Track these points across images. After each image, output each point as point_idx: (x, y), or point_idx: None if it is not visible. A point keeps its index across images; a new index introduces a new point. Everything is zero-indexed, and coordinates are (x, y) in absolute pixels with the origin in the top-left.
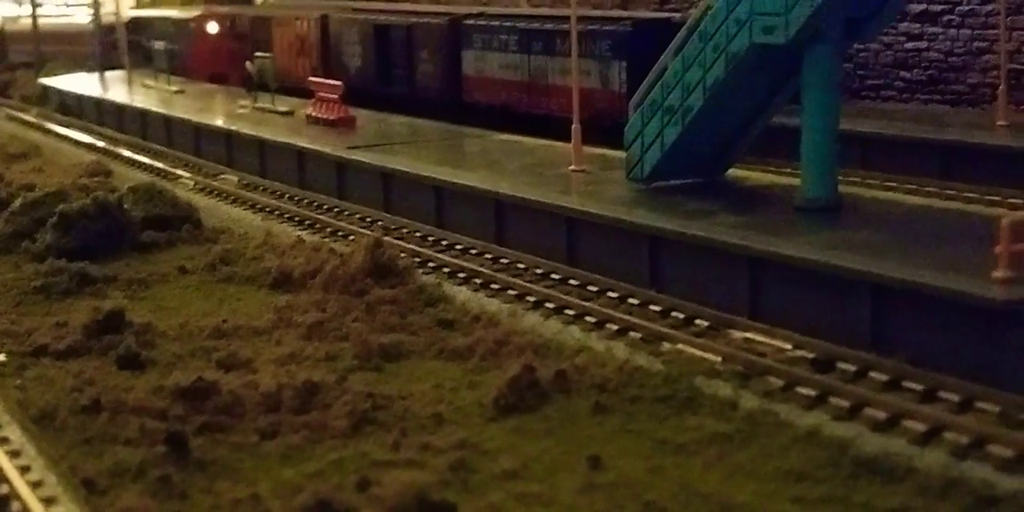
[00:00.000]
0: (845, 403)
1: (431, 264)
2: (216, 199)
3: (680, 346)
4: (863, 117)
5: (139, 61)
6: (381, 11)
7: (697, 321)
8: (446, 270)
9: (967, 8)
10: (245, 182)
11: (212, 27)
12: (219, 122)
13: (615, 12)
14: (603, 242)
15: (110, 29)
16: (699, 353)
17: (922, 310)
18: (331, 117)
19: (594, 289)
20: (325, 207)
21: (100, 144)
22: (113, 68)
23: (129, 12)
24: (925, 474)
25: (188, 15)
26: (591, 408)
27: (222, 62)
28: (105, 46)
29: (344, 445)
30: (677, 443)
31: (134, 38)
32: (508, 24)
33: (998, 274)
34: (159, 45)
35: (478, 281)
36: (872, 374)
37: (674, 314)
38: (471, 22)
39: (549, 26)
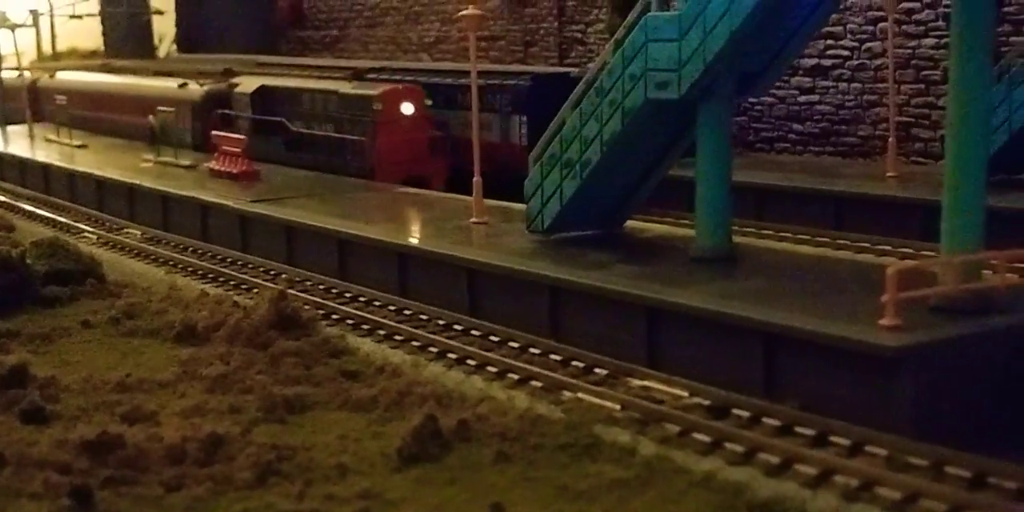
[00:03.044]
0: (740, 448)
1: (335, 316)
2: (119, 253)
3: (580, 394)
4: (758, 169)
5: (273, 150)
6: (282, 65)
7: (596, 370)
8: (350, 322)
9: (857, 62)
10: (148, 236)
11: (407, 107)
12: (122, 176)
13: (515, 67)
14: (504, 293)
15: (32, 86)
16: (598, 401)
17: (813, 357)
18: (234, 170)
19: (496, 339)
20: (229, 260)
21: (2, 199)
22: (13, 123)
23: (254, 81)
24: None
25: (366, 91)
26: (493, 456)
27: (421, 157)
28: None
29: (249, 496)
30: (578, 490)
31: (268, 117)
32: (410, 78)
33: (885, 322)
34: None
35: (382, 332)
36: (765, 420)
37: (574, 363)
38: (373, 77)
39: (450, 80)
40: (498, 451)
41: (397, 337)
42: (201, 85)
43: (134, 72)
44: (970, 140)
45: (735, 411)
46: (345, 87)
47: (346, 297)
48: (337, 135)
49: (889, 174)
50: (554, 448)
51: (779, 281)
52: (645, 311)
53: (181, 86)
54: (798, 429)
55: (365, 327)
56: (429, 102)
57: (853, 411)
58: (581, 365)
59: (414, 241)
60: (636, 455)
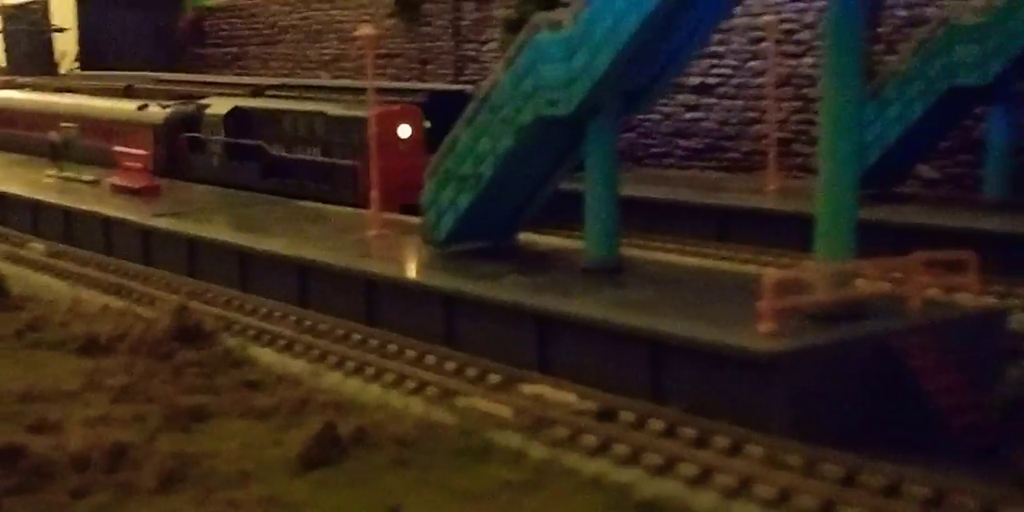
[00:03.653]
0: (626, 450)
1: (236, 327)
2: (23, 267)
3: (474, 401)
4: (645, 183)
5: (248, 176)
6: (184, 82)
7: (490, 377)
8: (251, 333)
9: (739, 81)
10: (52, 250)
11: (404, 130)
12: (24, 191)
13: (412, 84)
14: (401, 304)
15: None
16: (492, 407)
17: (696, 362)
18: (136, 186)
19: (393, 348)
20: (131, 274)
21: None
22: None
23: (226, 102)
24: None
25: (358, 112)
26: (390, 461)
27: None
28: None
29: (153, 502)
30: (472, 492)
31: (243, 141)
32: (309, 95)
33: (763, 328)
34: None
35: (282, 343)
36: (651, 422)
37: (468, 371)
38: (273, 93)
39: (349, 97)
40: (395, 456)
41: (297, 347)
42: (164, 107)
43: (79, 92)
44: (842, 155)
45: (622, 414)
46: (334, 108)
47: (247, 309)
48: (324, 160)
49: (770, 188)
50: (449, 452)
51: (665, 291)
52: (537, 320)
53: (141, 108)
54: (681, 430)
55: (266, 338)
56: (428, 124)
57: (733, 413)
58: (475, 373)
59: (313, 254)
60: (527, 458)
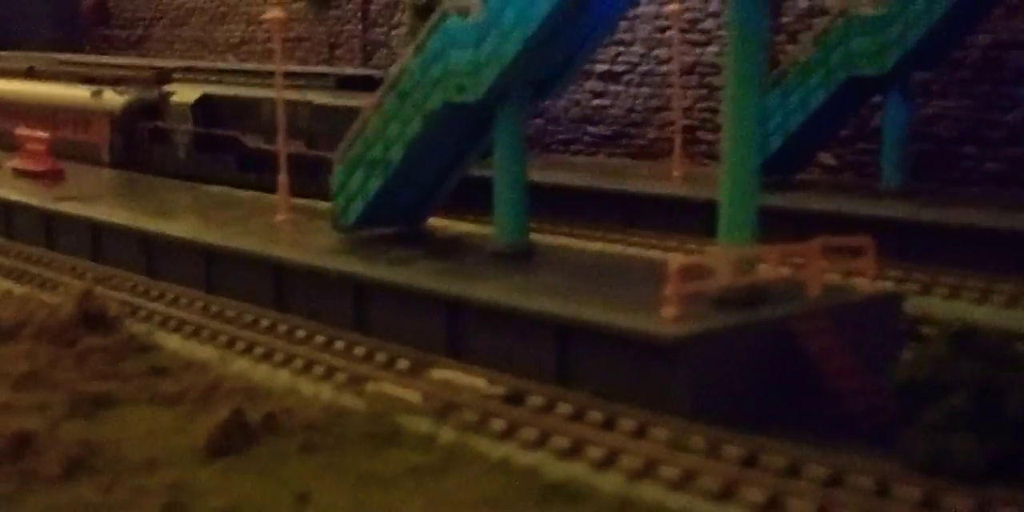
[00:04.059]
0: (534, 433)
1: (142, 313)
2: None
3: (383, 386)
4: (554, 169)
5: (221, 169)
6: (89, 64)
7: (399, 362)
8: (157, 319)
9: (646, 68)
10: None
11: None
12: None
13: (320, 68)
14: (310, 289)
15: None
16: (401, 392)
17: (602, 347)
18: (38, 169)
19: (302, 334)
20: (34, 258)
21: None
22: None
23: (193, 89)
24: (604, 496)
25: (351, 101)
26: (299, 447)
27: None
28: None
29: (57, 490)
30: (381, 476)
31: (215, 131)
32: (215, 78)
33: (667, 313)
34: None
35: (189, 329)
36: (558, 406)
37: (377, 356)
38: (179, 76)
39: (256, 81)
40: (304, 442)
41: (204, 333)
42: (121, 94)
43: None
44: (744, 142)
45: (530, 398)
46: (322, 97)
47: (153, 294)
48: (310, 153)
49: (675, 174)
50: (358, 438)
51: (573, 276)
52: (446, 305)
53: (95, 95)
54: (588, 414)
55: (172, 324)
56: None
57: (639, 396)
58: (384, 358)
59: (220, 239)
60: (436, 442)
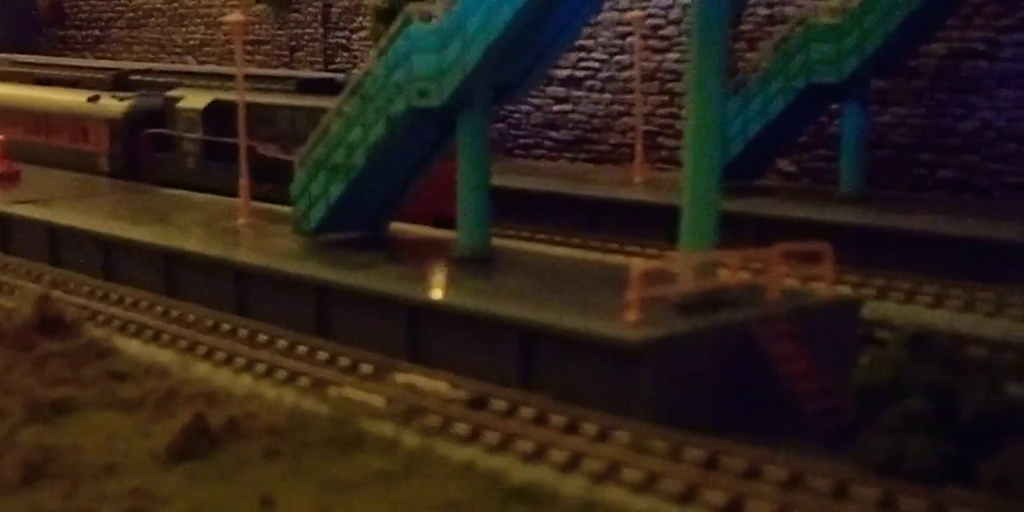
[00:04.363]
0: (497, 437)
1: (100, 317)
2: None
3: (346, 390)
4: (516, 174)
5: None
6: (45, 65)
7: (362, 366)
8: (116, 323)
9: (607, 74)
10: None
11: None
12: None
13: (281, 71)
14: (271, 293)
15: None
16: (364, 396)
17: (565, 351)
18: None
19: (263, 339)
20: None
21: None
22: None
23: (202, 95)
24: (567, 499)
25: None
26: (262, 452)
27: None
28: None
29: (16, 498)
30: (344, 481)
31: (228, 140)
32: (175, 81)
33: (629, 317)
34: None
35: (148, 333)
36: (521, 410)
37: (340, 360)
38: (137, 78)
39: (216, 83)
40: (266, 447)
41: (164, 337)
42: (121, 99)
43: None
44: (706, 149)
45: (493, 402)
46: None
47: (112, 298)
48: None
49: (637, 180)
50: (321, 442)
51: (535, 280)
52: (409, 309)
53: (92, 100)
54: (551, 418)
55: (132, 328)
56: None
57: (602, 400)
58: (347, 362)
59: (181, 242)
60: (400, 447)
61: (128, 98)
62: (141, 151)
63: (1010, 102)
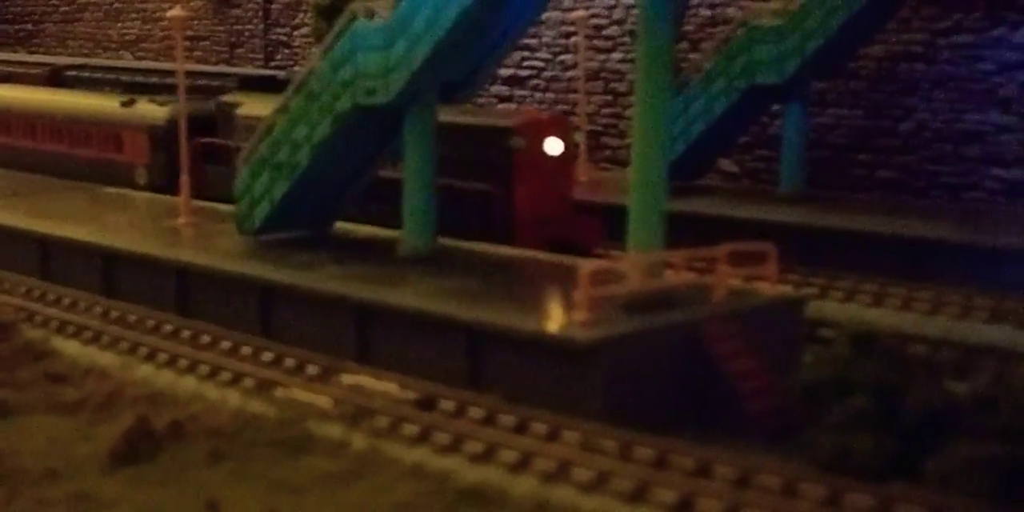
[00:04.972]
0: (446, 438)
1: (38, 318)
2: None
3: (293, 391)
4: None
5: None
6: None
7: (308, 367)
8: (54, 324)
9: (551, 74)
10: None
11: (554, 145)
12: None
13: (220, 68)
14: (215, 293)
15: None
16: (311, 397)
17: (513, 350)
18: None
19: (207, 339)
20: None
21: None
22: None
23: (268, 99)
24: (517, 499)
25: (496, 120)
26: (207, 455)
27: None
28: None
29: None
30: (292, 484)
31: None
32: (112, 76)
33: (578, 317)
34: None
35: (88, 334)
36: (470, 410)
37: (286, 361)
38: (73, 74)
39: (155, 79)
40: (212, 449)
41: (105, 339)
42: (161, 104)
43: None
44: (652, 150)
45: (442, 403)
46: (457, 114)
47: (49, 299)
48: (444, 182)
49: (582, 179)
50: (268, 444)
51: (482, 280)
52: (356, 309)
53: (126, 104)
54: (501, 418)
55: (70, 329)
56: (579, 138)
57: (551, 400)
58: (293, 363)
59: (120, 242)
60: (348, 448)
61: (169, 102)
62: (193, 162)
63: (946, 104)
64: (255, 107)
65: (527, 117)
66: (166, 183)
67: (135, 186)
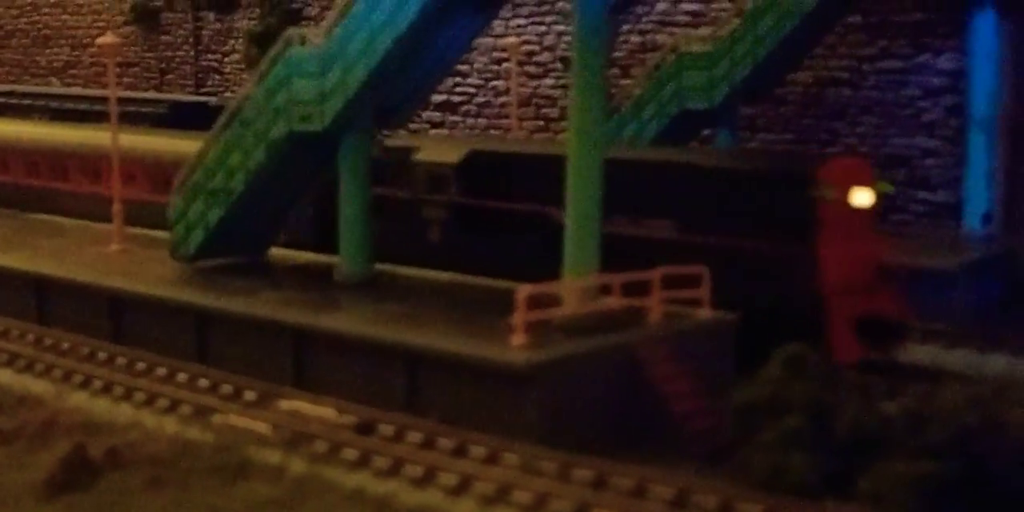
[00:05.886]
0: (386, 462)
1: None
2: None
3: (230, 418)
4: None
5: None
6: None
7: (246, 393)
8: None
9: (483, 99)
10: None
11: (862, 196)
12: None
13: (151, 94)
14: (149, 320)
15: None
16: (249, 423)
17: (451, 374)
18: None
19: (142, 366)
20: None
21: None
22: None
23: (451, 145)
24: None
25: (790, 163)
26: (145, 482)
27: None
28: None
29: None
30: (231, 510)
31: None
32: (40, 103)
33: (515, 341)
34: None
35: (21, 362)
36: (409, 434)
37: (223, 387)
38: (1, 101)
39: (84, 106)
40: (150, 477)
41: (38, 367)
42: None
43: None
44: (587, 175)
45: (381, 427)
46: (722, 158)
47: None
48: (715, 241)
49: None
50: (206, 471)
51: (420, 305)
52: (292, 335)
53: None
54: (440, 441)
55: (3, 357)
56: (890, 187)
57: (490, 423)
58: (230, 389)
59: (52, 269)
60: (287, 474)
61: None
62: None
63: (873, 129)
64: (437, 152)
65: (832, 161)
66: (321, 240)
67: (287, 245)
